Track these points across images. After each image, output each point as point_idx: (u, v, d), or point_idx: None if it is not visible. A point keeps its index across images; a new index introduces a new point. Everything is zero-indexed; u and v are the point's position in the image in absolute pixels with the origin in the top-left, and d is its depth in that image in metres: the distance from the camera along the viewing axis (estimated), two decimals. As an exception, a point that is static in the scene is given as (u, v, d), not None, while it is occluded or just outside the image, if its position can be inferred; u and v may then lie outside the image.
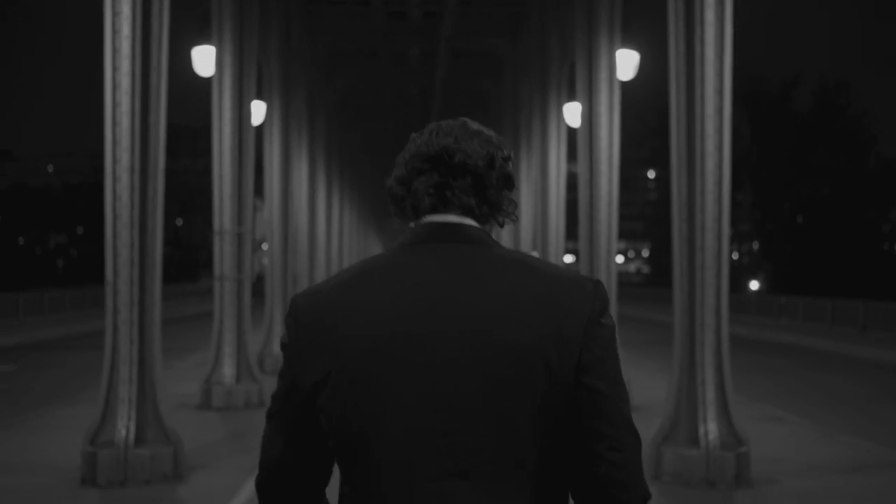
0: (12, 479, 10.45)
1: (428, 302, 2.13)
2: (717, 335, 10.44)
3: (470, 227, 2.22)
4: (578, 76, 15.41)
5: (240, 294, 15.68)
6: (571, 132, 19.22)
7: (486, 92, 33.71)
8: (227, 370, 15.59)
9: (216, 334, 15.69)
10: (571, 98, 18.89)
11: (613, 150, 15.11)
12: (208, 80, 15.97)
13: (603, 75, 15.04)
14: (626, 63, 15.93)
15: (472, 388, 2.08)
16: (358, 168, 50.76)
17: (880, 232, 70.20)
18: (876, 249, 67.89)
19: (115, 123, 10.12)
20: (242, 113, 15.73)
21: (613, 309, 13.36)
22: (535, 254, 21.42)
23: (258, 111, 19.71)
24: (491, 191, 2.23)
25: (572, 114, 18.89)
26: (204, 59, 16.21)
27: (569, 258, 66.78)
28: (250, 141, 15.89)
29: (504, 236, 27.16)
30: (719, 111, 10.37)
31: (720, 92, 10.37)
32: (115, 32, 10.08)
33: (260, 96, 19.87)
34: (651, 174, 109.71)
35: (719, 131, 10.37)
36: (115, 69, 10.10)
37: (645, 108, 74.24)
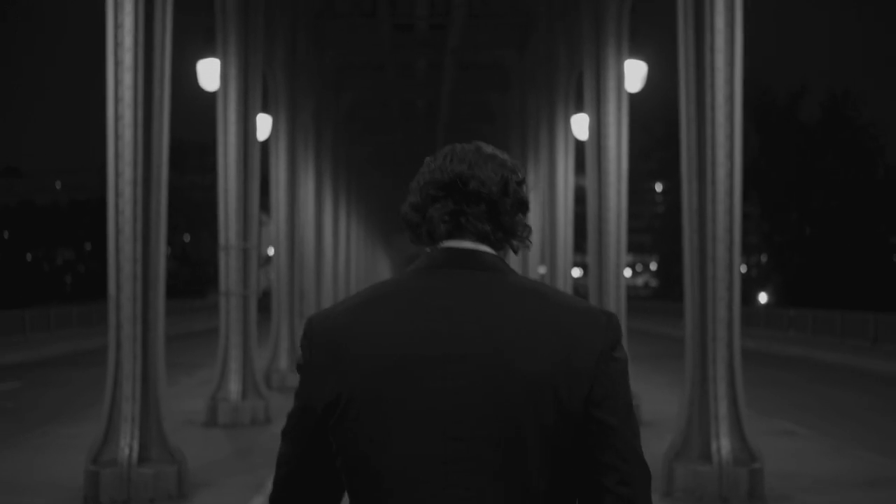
0: (15, 499, 10.33)
1: (440, 327, 2.14)
2: (729, 349, 10.29)
3: (485, 253, 2.24)
4: (586, 87, 15.30)
5: (246, 309, 15.53)
6: (579, 144, 19.12)
7: (493, 103, 33.62)
8: (233, 386, 15.43)
9: (222, 350, 15.53)
10: (579, 109, 18.78)
11: (622, 161, 14.98)
12: (215, 95, 15.86)
13: (611, 85, 14.91)
14: (634, 74, 15.84)
15: (480, 415, 2.09)
16: (365, 181, 50.65)
17: (890, 243, 69.86)
18: (886, 261, 67.55)
19: (117, 137, 9.99)
20: (248, 127, 15.60)
21: (623, 322, 13.21)
22: (544, 269, 21.29)
23: (264, 125, 19.61)
24: (505, 217, 2.25)
25: (580, 125, 18.78)
26: (209, 73, 16.12)
27: (576, 272, 66.66)
28: (256, 155, 15.76)
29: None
30: (730, 119, 10.24)
31: (731, 100, 10.24)
32: (117, 45, 9.96)
33: (266, 110, 19.78)
34: (658, 187, 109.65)
35: (730, 139, 10.24)
36: (117, 82, 9.98)
37: (652, 119, 74.22)
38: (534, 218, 23.63)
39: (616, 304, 14.75)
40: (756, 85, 62.57)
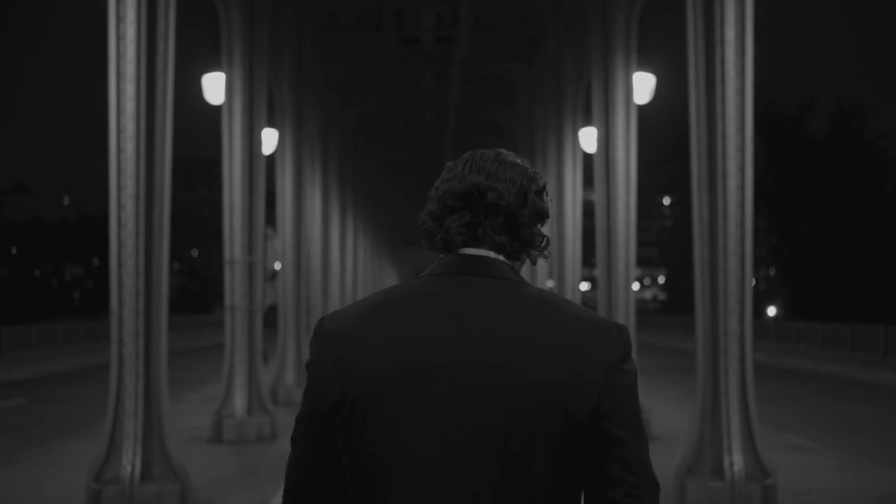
0: (16, 517, 10.19)
1: (449, 333, 2.13)
2: (741, 362, 10.13)
3: (498, 261, 2.23)
4: (594, 99, 15.16)
5: (251, 324, 15.39)
6: (587, 157, 18.99)
7: (500, 117, 33.52)
8: (239, 402, 15.26)
9: (227, 366, 15.37)
10: (587, 122, 18.66)
11: (630, 174, 14.83)
12: (221, 109, 15.75)
13: (619, 97, 14.77)
14: (642, 86, 15.70)
15: (486, 424, 2.07)
16: (372, 195, 50.55)
17: (899, 256, 69.57)
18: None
19: (119, 149, 9.88)
20: (253, 140, 15.48)
21: (632, 336, 13.04)
22: (552, 283, 21.14)
23: (270, 139, 19.50)
24: (523, 228, 2.24)
25: (588, 138, 18.66)
26: (214, 87, 16.01)
27: (584, 285, 66.50)
28: (261, 169, 15.63)
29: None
30: (741, 130, 10.12)
31: (741, 111, 10.13)
32: (119, 56, 9.86)
33: (272, 123, 19.67)
34: (666, 200, 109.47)
35: (741, 150, 10.12)
36: (119, 94, 9.87)
37: (660, 132, 74.14)
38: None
39: (625, 317, 14.60)
40: (765, 98, 62.52)
